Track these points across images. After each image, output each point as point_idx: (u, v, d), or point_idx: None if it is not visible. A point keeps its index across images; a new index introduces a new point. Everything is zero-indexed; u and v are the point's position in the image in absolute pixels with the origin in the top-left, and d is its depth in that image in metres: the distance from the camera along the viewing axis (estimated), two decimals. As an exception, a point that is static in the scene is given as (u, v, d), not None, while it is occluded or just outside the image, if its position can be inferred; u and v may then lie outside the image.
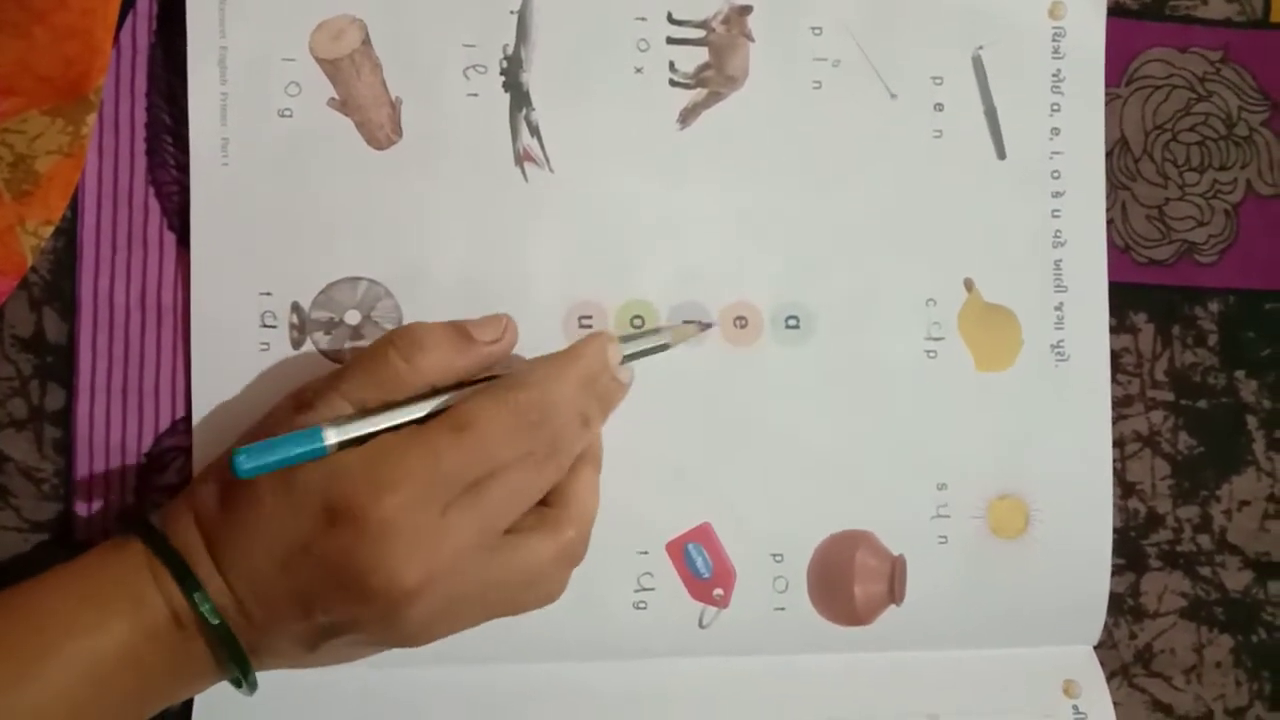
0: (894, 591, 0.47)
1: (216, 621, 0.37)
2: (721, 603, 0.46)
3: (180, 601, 0.37)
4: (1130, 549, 0.49)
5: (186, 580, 0.37)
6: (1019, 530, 0.47)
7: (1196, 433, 0.49)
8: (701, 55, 0.46)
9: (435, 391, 0.39)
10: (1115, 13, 0.48)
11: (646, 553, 0.46)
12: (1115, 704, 0.48)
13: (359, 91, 0.44)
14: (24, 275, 0.42)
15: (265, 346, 0.44)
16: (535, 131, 0.45)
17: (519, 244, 0.45)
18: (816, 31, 0.46)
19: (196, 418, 0.44)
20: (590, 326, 0.45)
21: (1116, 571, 0.48)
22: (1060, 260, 0.48)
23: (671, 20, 0.46)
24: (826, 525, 0.47)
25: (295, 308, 0.44)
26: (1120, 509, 0.48)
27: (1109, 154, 0.48)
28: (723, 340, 0.46)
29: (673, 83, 0.46)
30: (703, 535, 0.46)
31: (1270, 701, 0.50)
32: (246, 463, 0.36)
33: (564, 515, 0.40)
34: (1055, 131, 0.48)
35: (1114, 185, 0.49)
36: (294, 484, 0.37)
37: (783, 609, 0.46)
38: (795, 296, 0.46)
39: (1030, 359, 0.47)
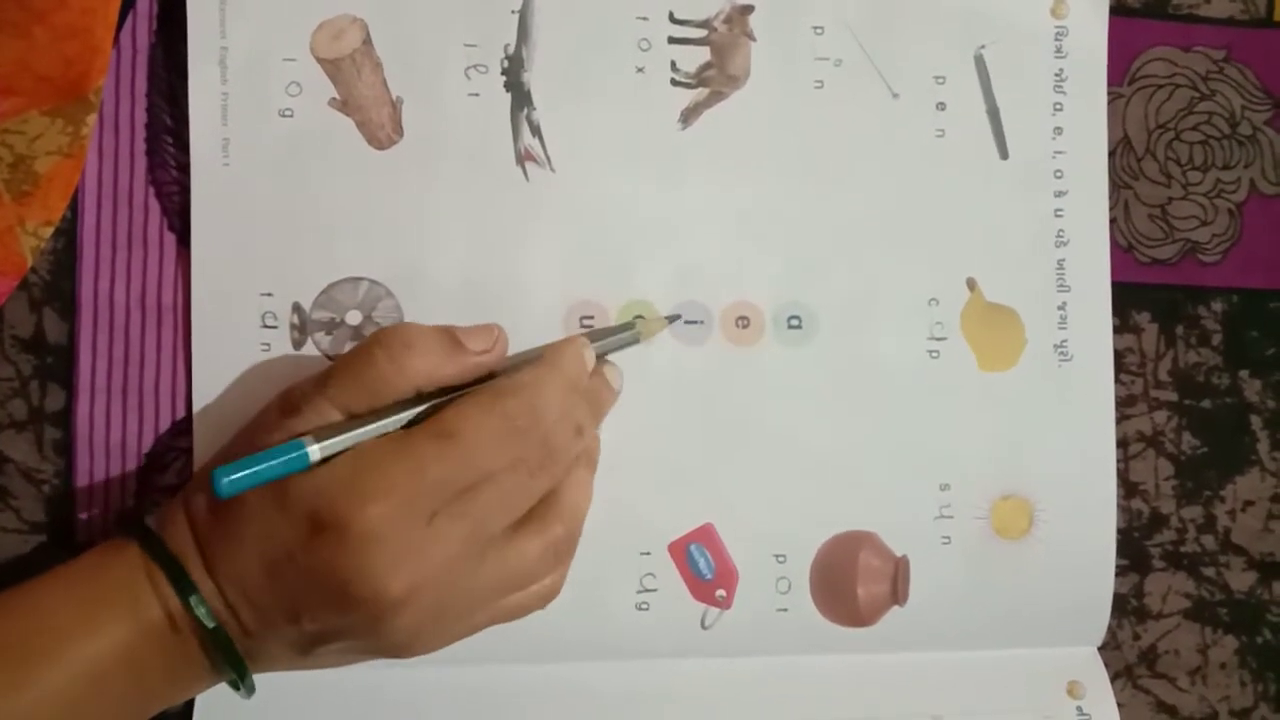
0: (897, 592, 0.47)
1: (212, 625, 0.37)
2: (724, 604, 0.46)
3: (176, 604, 0.37)
4: (1134, 550, 0.49)
5: (183, 584, 0.37)
6: (1022, 531, 0.47)
7: (1200, 433, 0.49)
8: (703, 55, 0.46)
9: (420, 397, 0.39)
10: (1117, 11, 0.48)
11: (649, 553, 0.46)
12: (1119, 705, 0.48)
13: (360, 91, 0.44)
14: (24, 276, 0.42)
15: (266, 347, 0.44)
16: (536, 131, 0.45)
17: (520, 244, 0.45)
18: (818, 31, 0.46)
19: (197, 418, 0.43)
20: (591, 327, 0.45)
21: (1120, 572, 0.48)
22: (1063, 260, 0.47)
23: (673, 20, 0.46)
24: (829, 526, 0.47)
25: (296, 308, 0.44)
26: (1124, 509, 0.48)
27: (1112, 153, 0.48)
28: (725, 340, 0.46)
29: (674, 82, 0.46)
30: (705, 536, 0.46)
31: (1275, 702, 0.50)
32: (228, 483, 0.36)
33: (551, 512, 0.40)
34: (1058, 131, 0.47)
35: (1117, 184, 0.48)
36: (280, 493, 0.37)
37: (785, 610, 0.46)
38: (797, 296, 0.46)
39: (1033, 359, 0.47)
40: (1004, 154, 0.47)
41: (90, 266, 0.44)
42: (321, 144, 0.44)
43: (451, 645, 0.40)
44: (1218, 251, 0.49)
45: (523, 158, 0.45)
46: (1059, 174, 0.47)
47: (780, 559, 0.46)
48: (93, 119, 0.41)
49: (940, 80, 0.47)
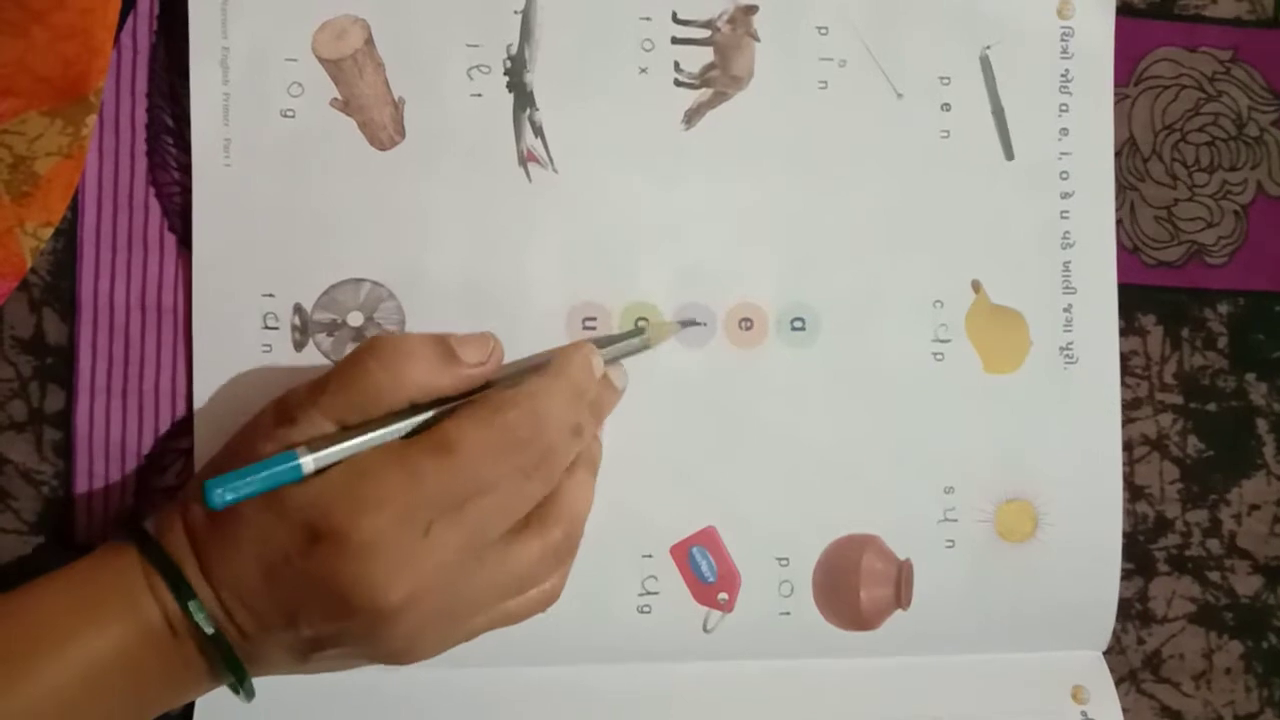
0: (900, 596, 0.47)
1: (211, 630, 0.37)
2: (726, 607, 0.46)
3: (175, 609, 0.37)
4: (1138, 553, 0.49)
5: (181, 589, 0.37)
6: (1027, 534, 0.47)
7: (1206, 436, 0.49)
8: (706, 55, 0.46)
9: (415, 409, 0.39)
10: (1124, 12, 0.48)
11: (651, 556, 0.46)
12: (1124, 710, 0.47)
13: (362, 91, 0.44)
14: (24, 277, 0.42)
15: (267, 348, 0.44)
16: (539, 132, 0.45)
17: (522, 245, 0.45)
18: (822, 31, 0.46)
19: (198, 419, 0.43)
20: (594, 328, 0.45)
21: (1125, 576, 0.48)
22: (1069, 262, 0.47)
23: (676, 20, 0.45)
24: (832, 529, 0.46)
25: (297, 309, 0.44)
26: (1128, 513, 0.48)
27: (1117, 154, 0.48)
28: (728, 342, 0.46)
29: (678, 83, 0.45)
30: (707, 538, 0.46)
31: (1280, 707, 0.50)
32: (220, 495, 0.36)
33: (551, 515, 0.40)
34: (1064, 132, 0.47)
35: (1122, 186, 0.48)
36: (277, 503, 0.37)
37: (788, 613, 0.46)
38: (801, 298, 0.46)
39: (1038, 361, 0.47)
40: (1009, 155, 0.47)
41: (90, 267, 0.43)
42: (323, 144, 0.44)
43: (454, 647, 0.40)
44: (1224, 254, 0.49)
45: (525, 158, 0.45)
46: (1065, 175, 0.47)
47: (783, 562, 0.46)
48: (93, 119, 0.41)
49: (945, 81, 0.47)
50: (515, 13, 0.45)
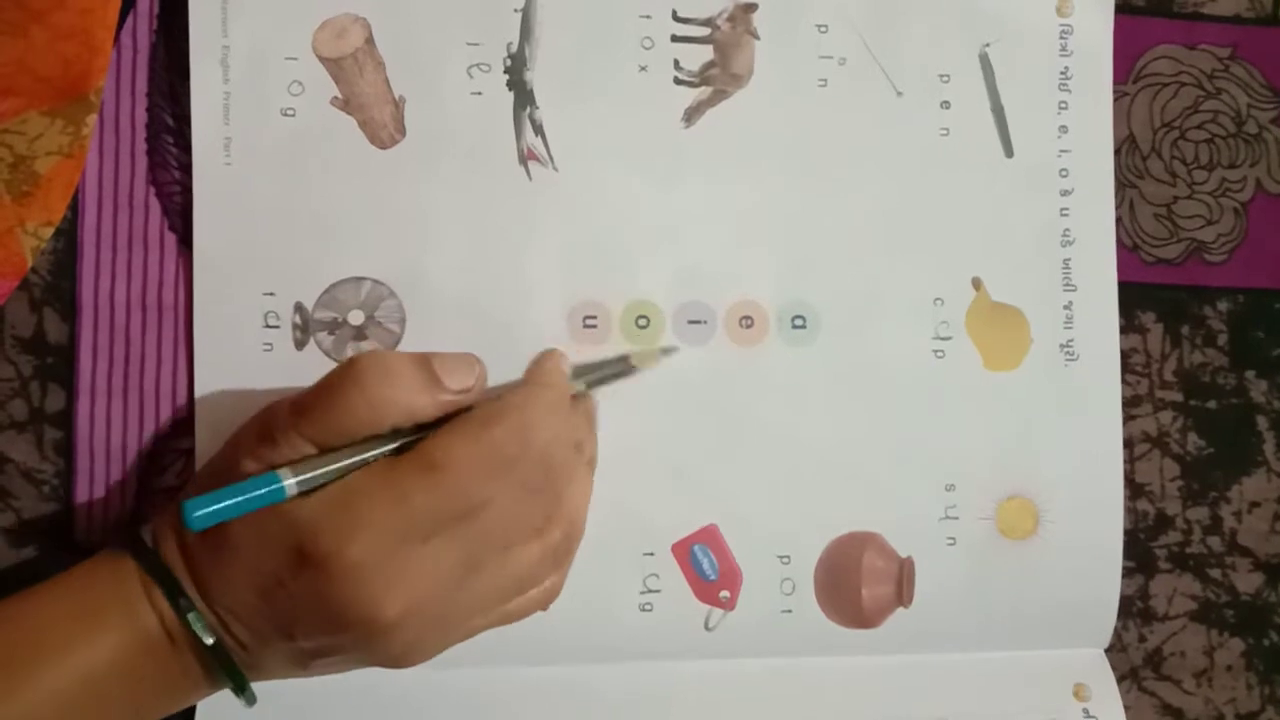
0: (902, 593, 0.47)
1: (211, 641, 0.37)
2: (727, 605, 0.46)
3: (172, 618, 0.37)
4: (1139, 551, 0.49)
5: (180, 600, 0.37)
6: (1028, 532, 0.47)
7: (1206, 433, 0.49)
8: (706, 53, 0.46)
9: (397, 433, 0.38)
10: (1123, 9, 0.48)
11: (652, 554, 0.45)
12: (1125, 707, 0.47)
13: (362, 90, 0.44)
14: (24, 276, 0.42)
15: (268, 347, 0.44)
16: (539, 130, 0.45)
17: (523, 243, 0.45)
18: (822, 29, 0.46)
19: (199, 419, 0.43)
20: (595, 327, 0.45)
21: (1125, 574, 0.48)
22: (1069, 259, 0.47)
23: (676, 18, 0.45)
24: (833, 527, 0.46)
25: (298, 308, 0.44)
26: (1129, 511, 0.48)
27: (1117, 152, 0.48)
28: (728, 340, 0.46)
29: (677, 81, 0.45)
30: (709, 537, 0.46)
31: (1282, 704, 0.50)
32: (198, 518, 0.35)
33: (550, 515, 0.40)
34: (1063, 129, 0.47)
35: (1122, 184, 0.48)
36: (264, 525, 0.36)
37: (789, 611, 0.46)
38: (801, 296, 0.46)
39: (1039, 358, 0.47)
40: (1009, 152, 0.47)
41: (90, 267, 0.43)
42: (323, 143, 0.44)
43: (455, 647, 0.40)
44: (1223, 251, 0.49)
45: (525, 157, 0.45)
46: (1064, 173, 0.47)
47: (784, 560, 0.46)
48: (93, 119, 0.41)
49: (945, 79, 0.47)
50: (515, 11, 0.45)
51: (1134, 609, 0.49)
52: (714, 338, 0.46)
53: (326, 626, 0.37)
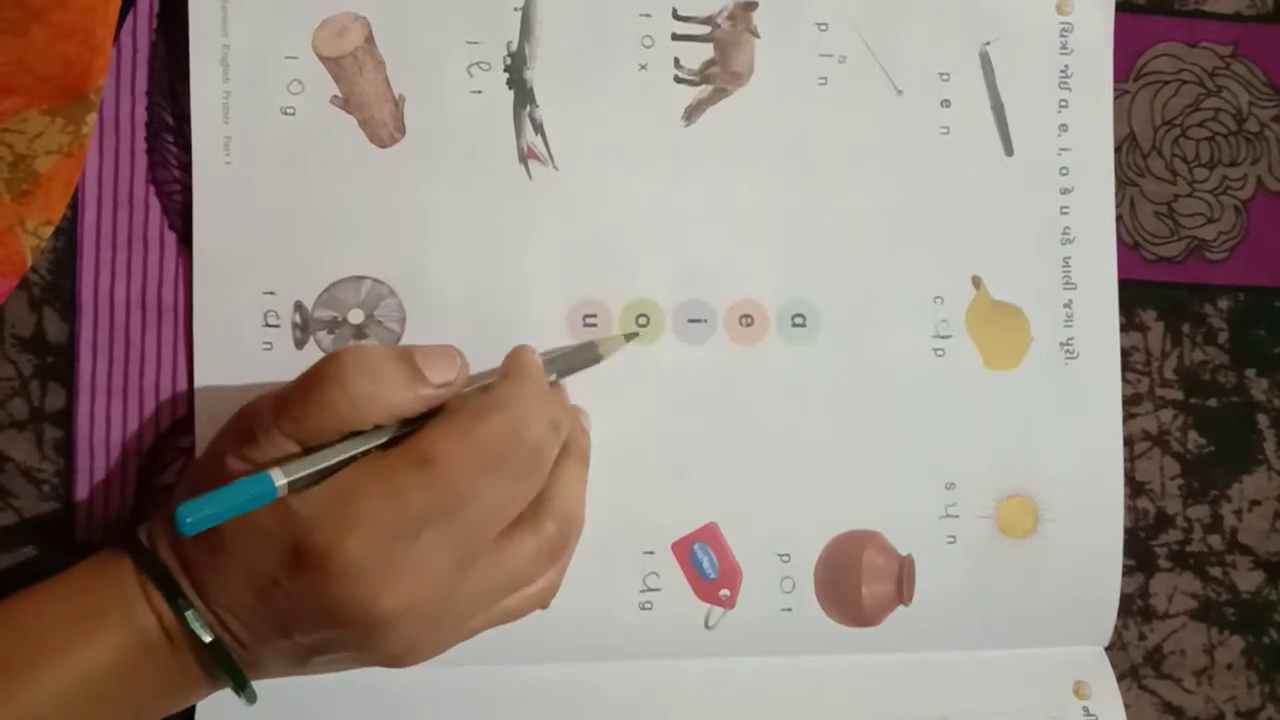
0: (902, 592, 0.47)
1: (210, 639, 0.37)
2: (727, 603, 0.46)
3: (171, 618, 0.37)
4: (1139, 549, 0.49)
5: (178, 600, 0.37)
6: (1028, 530, 0.47)
7: (1206, 432, 0.49)
8: (706, 52, 0.46)
9: (380, 429, 0.38)
10: (1123, 7, 0.48)
11: (652, 553, 0.45)
12: (1125, 706, 0.47)
13: (362, 89, 0.44)
14: (24, 275, 0.42)
15: (268, 346, 0.44)
16: (539, 129, 0.45)
17: (523, 242, 0.45)
18: (822, 27, 0.46)
19: (199, 418, 0.43)
20: (595, 325, 0.45)
21: (1125, 572, 0.48)
22: (1069, 257, 0.47)
23: (676, 16, 0.45)
24: (833, 525, 0.46)
25: (298, 307, 0.44)
26: (1129, 509, 0.48)
27: (1117, 150, 0.48)
28: (728, 339, 0.46)
29: (678, 79, 0.45)
30: (709, 535, 0.46)
31: (1282, 703, 0.50)
32: (191, 523, 0.34)
33: (543, 511, 0.40)
34: (1063, 128, 0.47)
35: (1122, 181, 0.48)
36: (257, 526, 0.36)
37: (789, 610, 0.46)
38: (801, 294, 0.46)
39: (1039, 357, 0.47)
40: (1009, 151, 0.47)
41: (90, 266, 0.43)
42: (323, 142, 0.44)
43: (455, 646, 0.40)
44: (1224, 249, 0.49)
45: (525, 155, 0.45)
46: (1064, 171, 0.47)
47: (784, 558, 0.46)
48: (93, 118, 0.41)
49: (945, 77, 0.47)
50: (515, 9, 0.45)
51: (1134, 607, 0.49)
52: (714, 336, 0.46)
53: (324, 623, 0.37)
